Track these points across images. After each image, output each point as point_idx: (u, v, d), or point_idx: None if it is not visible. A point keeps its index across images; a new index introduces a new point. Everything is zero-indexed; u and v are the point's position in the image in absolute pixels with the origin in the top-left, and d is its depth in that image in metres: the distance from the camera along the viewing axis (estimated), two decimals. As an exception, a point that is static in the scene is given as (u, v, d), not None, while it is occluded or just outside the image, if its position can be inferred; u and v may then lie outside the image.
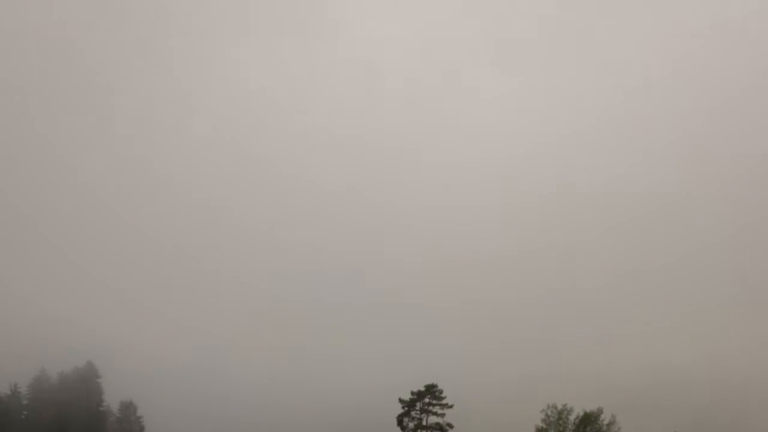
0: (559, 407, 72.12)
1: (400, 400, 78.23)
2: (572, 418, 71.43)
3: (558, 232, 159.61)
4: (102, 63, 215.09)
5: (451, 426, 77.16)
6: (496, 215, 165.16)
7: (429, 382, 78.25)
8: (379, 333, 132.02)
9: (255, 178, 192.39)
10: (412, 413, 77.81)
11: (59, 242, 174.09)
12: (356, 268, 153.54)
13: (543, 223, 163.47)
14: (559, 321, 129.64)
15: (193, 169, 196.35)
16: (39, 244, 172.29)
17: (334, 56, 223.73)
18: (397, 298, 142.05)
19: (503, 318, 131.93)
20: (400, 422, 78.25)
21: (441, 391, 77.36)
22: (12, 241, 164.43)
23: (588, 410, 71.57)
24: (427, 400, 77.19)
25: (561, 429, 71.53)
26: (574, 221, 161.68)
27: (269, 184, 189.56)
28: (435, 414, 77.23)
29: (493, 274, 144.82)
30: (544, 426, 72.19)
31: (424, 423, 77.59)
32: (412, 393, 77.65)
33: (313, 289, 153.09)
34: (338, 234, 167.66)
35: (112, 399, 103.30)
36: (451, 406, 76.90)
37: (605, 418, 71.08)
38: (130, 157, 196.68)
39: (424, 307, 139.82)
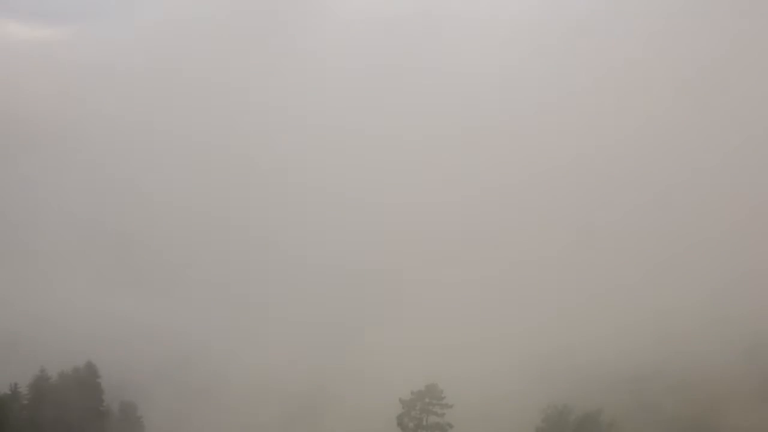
0: (559, 407, 72.19)
1: (400, 400, 78.53)
2: (572, 418, 71.51)
3: (556, 231, 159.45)
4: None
5: (451, 426, 77.38)
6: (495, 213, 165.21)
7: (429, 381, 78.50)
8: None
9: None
10: (412, 413, 78.03)
11: (56, 241, 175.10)
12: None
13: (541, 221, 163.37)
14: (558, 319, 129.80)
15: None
16: (39, 245, 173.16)
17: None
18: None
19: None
20: (400, 422, 78.54)
21: (441, 391, 77.54)
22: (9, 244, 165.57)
23: (588, 410, 71.65)
24: (427, 400, 77.37)
25: (561, 429, 71.62)
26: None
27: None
28: (435, 414, 77.42)
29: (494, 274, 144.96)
30: (544, 426, 72.31)
31: (424, 423, 77.82)
32: (412, 393, 77.91)
33: (312, 290, 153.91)
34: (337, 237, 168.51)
35: (112, 399, 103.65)
36: (451, 406, 77.15)
37: (605, 418, 71.16)
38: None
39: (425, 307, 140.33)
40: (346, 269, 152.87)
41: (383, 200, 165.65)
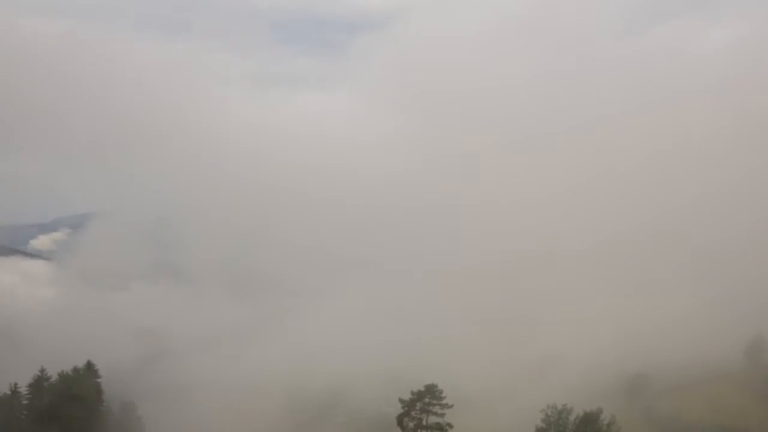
0: (559, 407, 72.03)
1: (400, 400, 78.49)
2: (572, 418, 71.32)
3: (554, 223, 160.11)
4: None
5: (450, 426, 77.25)
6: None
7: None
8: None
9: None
10: (412, 413, 77.95)
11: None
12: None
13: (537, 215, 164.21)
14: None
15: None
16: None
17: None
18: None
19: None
20: (400, 422, 78.49)
21: (441, 391, 77.46)
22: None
23: (588, 410, 71.49)
24: (427, 400, 77.28)
25: (561, 429, 71.44)
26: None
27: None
28: (435, 414, 77.33)
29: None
30: (544, 426, 72.13)
31: (424, 423, 77.72)
32: (412, 393, 77.82)
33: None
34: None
35: (112, 399, 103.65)
36: (451, 406, 77.03)
37: (605, 418, 70.97)
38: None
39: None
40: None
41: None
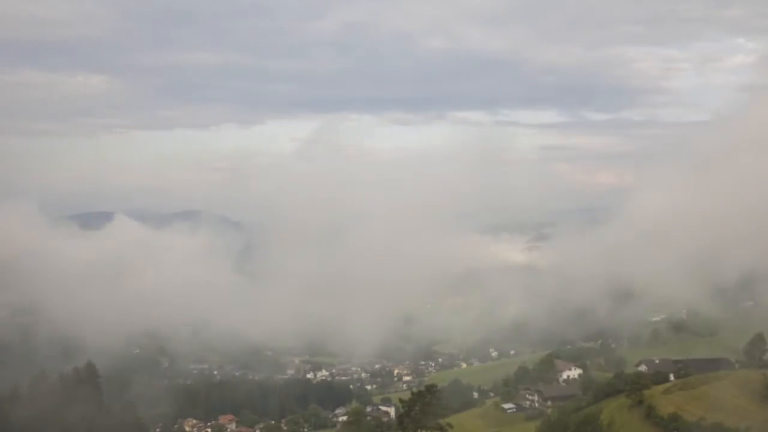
0: (559, 407, 72.13)
1: (400, 400, 78.36)
2: (572, 418, 71.51)
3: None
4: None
5: (451, 426, 77.16)
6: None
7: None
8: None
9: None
10: (412, 413, 77.81)
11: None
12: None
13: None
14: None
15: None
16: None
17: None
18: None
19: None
20: (400, 422, 78.33)
21: (441, 391, 77.32)
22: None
23: (588, 410, 71.66)
24: (427, 400, 77.16)
25: (561, 429, 71.57)
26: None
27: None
28: (435, 414, 77.17)
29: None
30: (544, 426, 72.32)
31: (424, 423, 77.58)
32: (412, 393, 77.71)
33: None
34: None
35: (112, 399, 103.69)
36: (451, 407, 76.91)
37: (605, 418, 71.13)
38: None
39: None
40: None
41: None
